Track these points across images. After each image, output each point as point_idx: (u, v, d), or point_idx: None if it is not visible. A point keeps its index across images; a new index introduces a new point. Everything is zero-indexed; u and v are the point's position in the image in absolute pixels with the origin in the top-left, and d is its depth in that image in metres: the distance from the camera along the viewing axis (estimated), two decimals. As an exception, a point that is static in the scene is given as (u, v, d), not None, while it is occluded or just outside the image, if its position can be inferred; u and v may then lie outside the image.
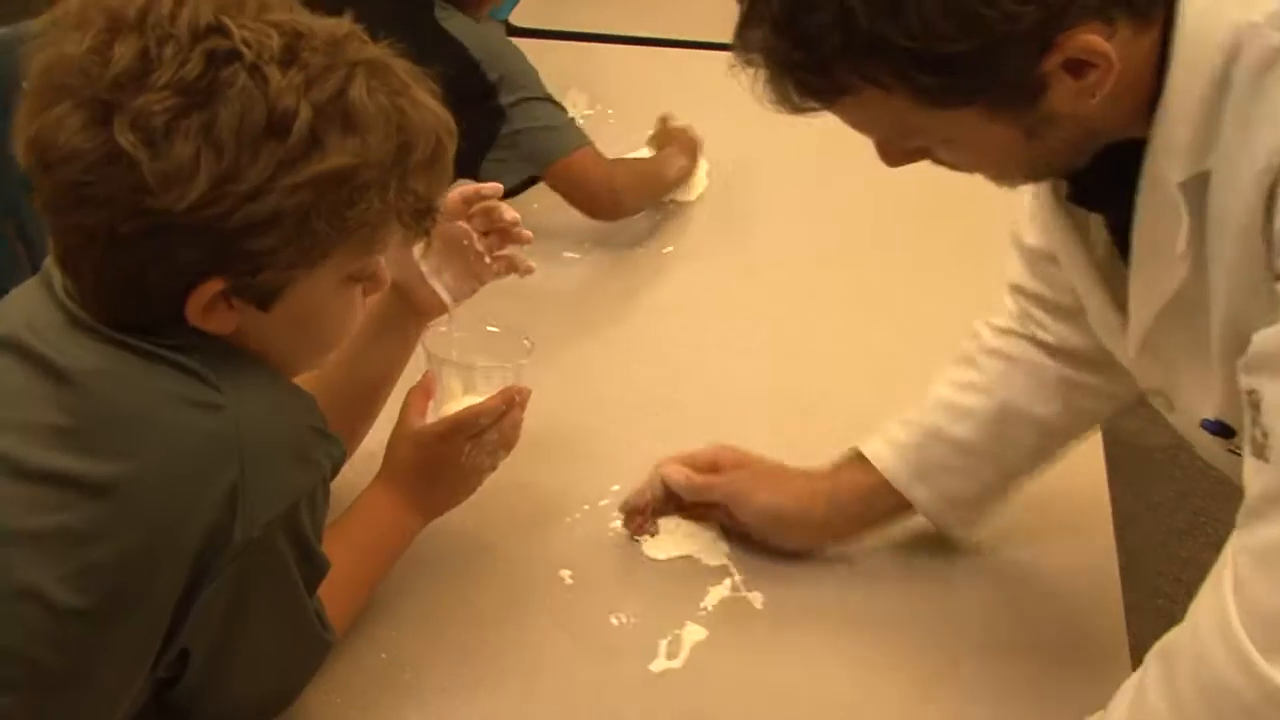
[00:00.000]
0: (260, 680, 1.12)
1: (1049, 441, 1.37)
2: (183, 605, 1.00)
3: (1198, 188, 0.97)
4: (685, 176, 2.15)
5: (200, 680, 1.07)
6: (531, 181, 1.99)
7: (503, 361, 1.38)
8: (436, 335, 1.38)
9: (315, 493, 1.05)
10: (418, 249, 1.35)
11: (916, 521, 1.42)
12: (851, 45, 0.94)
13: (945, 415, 1.37)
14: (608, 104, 2.36)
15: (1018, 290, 1.36)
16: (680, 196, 2.15)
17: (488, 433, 1.31)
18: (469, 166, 1.43)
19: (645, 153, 2.20)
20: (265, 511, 0.99)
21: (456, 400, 1.35)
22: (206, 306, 1.00)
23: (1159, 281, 1.04)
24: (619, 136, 2.20)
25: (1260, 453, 0.93)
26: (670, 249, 2.02)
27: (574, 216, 2.01)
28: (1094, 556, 1.41)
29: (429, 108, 1.04)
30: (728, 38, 0.99)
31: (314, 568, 1.08)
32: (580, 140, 1.98)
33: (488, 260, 1.40)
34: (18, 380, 1.01)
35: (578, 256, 2.00)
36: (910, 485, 1.37)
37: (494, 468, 1.34)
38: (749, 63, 1.00)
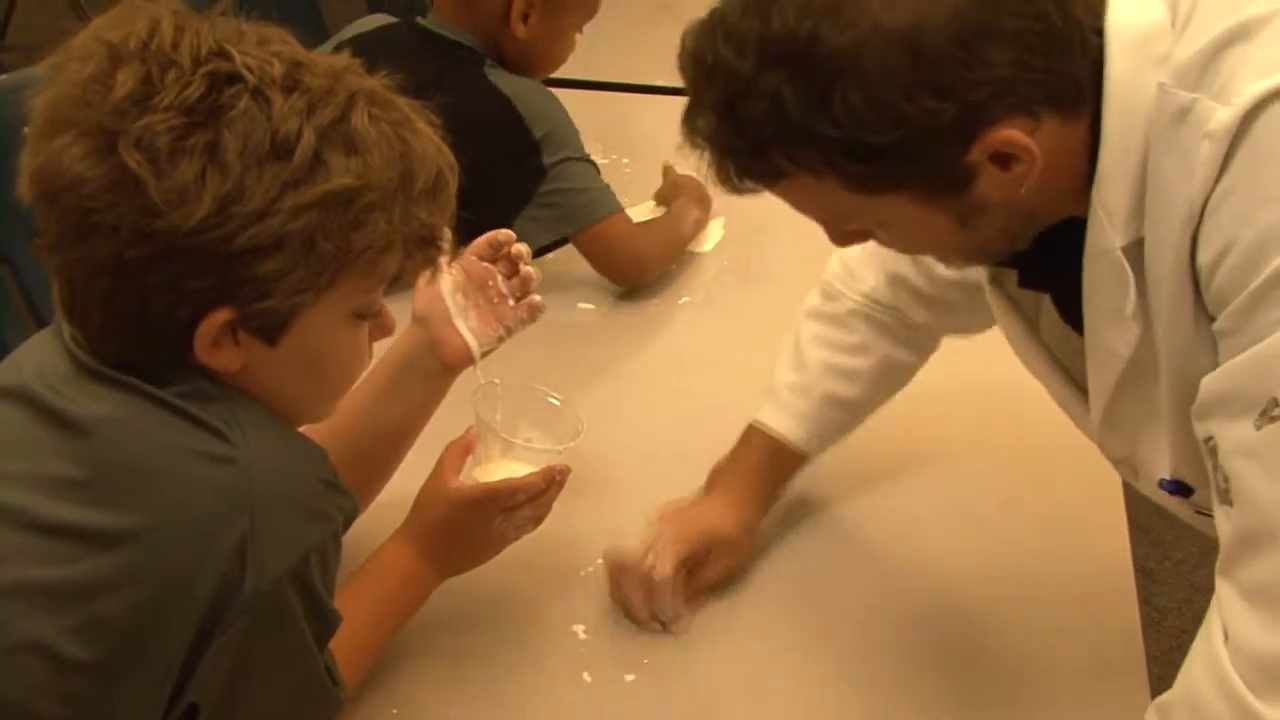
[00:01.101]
0: (269, 736, 1.11)
1: (905, 379, 1.54)
2: (191, 659, 0.99)
3: (1137, 253, 1.01)
4: (700, 228, 2.15)
5: (208, 736, 1.05)
6: (562, 241, 1.98)
7: (549, 433, 1.39)
8: (486, 394, 1.37)
9: (326, 546, 1.03)
10: (446, 288, 1.37)
11: (938, 578, 1.42)
12: (783, 133, 0.99)
13: (834, 380, 1.49)
14: (623, 153, 2.36)
15: (899, 282, 1.46)
16: (695, 247, 2.14)
17: (522, 508, 1.31)
18: (502, 221, 1.45)
19: (650, 205, 2.20)
20: (276, 564, 0.98)
21: (494, 464, 1.34)
22: (214, 341, 0.99)
23: (1113, 349, 1.07)
24: (634, 185, 2.20)
25: (1225, 498, 0.94)
26: (686, 299, 2.02)
27: (590, 267, 2.01)
28: (1116, 613, 1.39)
29: (430, 139, 1.05)
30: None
31: (324, 622, 1.07)
32: (613, 207, 1.98)
33: (511, 303, 1.41)
34: (28, 432, 1.01)
35: (593, 307, 2.00)
36: (814, 450, 1.50)
37: (517, 539, 1.34)
38: (695, 145, 1.06)
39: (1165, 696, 0.99)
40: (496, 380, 1.39)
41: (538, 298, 1.44)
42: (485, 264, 1.41)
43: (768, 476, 1.49)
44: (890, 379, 1.52)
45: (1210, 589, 0.97)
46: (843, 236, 1.14)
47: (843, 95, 0.95)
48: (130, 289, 0.96)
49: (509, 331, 1.43)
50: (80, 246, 0.96)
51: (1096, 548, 1.47)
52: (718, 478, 1.49)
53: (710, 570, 1.41)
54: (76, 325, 1.02)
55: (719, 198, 2.15)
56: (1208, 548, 2.98)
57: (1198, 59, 0.96)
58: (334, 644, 1.10)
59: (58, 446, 0.99)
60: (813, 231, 2.20)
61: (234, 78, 0.95)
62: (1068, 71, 0.98)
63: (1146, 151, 0.98)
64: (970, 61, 0.95)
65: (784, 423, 1.49)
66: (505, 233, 1.41)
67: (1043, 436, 1.63)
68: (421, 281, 1.31)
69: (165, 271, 0.95)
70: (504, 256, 1.42)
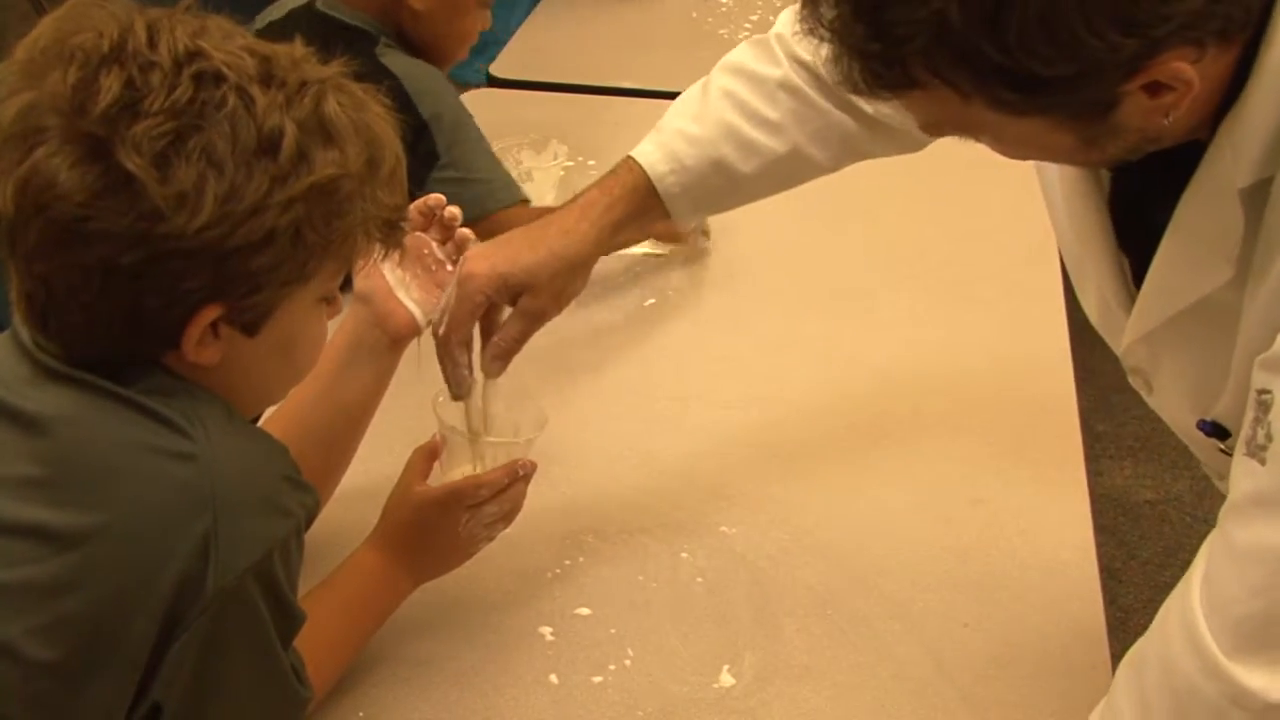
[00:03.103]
0: (233, 737, 1.10)
1: (806, 178, 1.45)
2: (155, 657, 0.98)
3: (1258, 195, 0.95)
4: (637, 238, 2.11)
5: (173, 736, 1.04)
6: None
7: (514, 426, 1.38)
8: (447, 400, 1.36)
9: (289, 542, 1.03)
10: (386, 264, 1.36)
11: (904, 578, 1.42)
12: (936, 48, 0.89)
13: (735, 149, 1.40)
14: (589, 155, 2.35)
15: None
16: (660, 250, 2.13)
17: (488, 505, 1.30)
18: None
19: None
20: (238, 561, 0.98)
21: (461, 467, 1.34)
22: (199, 338, 0.99)
23: (1191, 282, 1.02)
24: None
25: (1256, 454, 0.90)
26: (651, 301, 2.01)
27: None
28: (1081, 613, 1.40)
29: (387, 121, 1.07)
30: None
31: (288, 619, 1.06)
32: (512, 196, 1.95)
33: (449, 268, 1.41)
34: None
35: (557, 308, 1.99)
36: (682, 210, 1.42)
37: (491, 539, 1.33)
38: (812, 33, 0.96)
39: (1139, 648, 0.96)
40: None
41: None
42: (418, 233, 1.40)
43: (618, 208, 1.40)
44: (790, 173, 1.43)
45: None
46: (936, 131, 1.04)
47: (1019, 17, 0.85)
48: (121, 293, 0.96)
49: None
50: (66, 254, 0.95)
51: (1061, 549, 1.48)
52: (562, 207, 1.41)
53: (512, 323, 1.35)
54: (51, 331, 1.00)
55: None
56: (1172, 547, 3.01)
57: None
58: (303, 647, 1.10)
59: (18, 446, 0.98)
60: (777, 232, 2.21)
61: (218, 77, 0.95)
62: (1248, 1, 0.90)
63: None
64: None
65: (658, 168, 1.40)
66: (435, 197, 1.40)
67: (1009, 437, 1.64)
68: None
69: (160, 273, 0.95)
70: (436, 222, 1.41)
